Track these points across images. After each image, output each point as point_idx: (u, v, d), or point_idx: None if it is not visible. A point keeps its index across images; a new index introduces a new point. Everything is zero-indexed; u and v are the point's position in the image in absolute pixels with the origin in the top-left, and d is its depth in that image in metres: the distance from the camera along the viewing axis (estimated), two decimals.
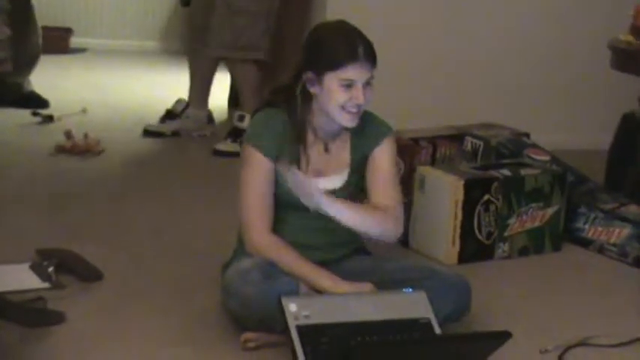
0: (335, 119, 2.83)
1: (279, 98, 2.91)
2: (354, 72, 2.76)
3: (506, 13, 5.26)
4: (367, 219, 2.83)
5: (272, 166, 2.84)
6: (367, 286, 2.75)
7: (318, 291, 2.75)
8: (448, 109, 5.05)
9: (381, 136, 2.96)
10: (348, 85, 2.77)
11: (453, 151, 4.11)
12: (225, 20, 4.92)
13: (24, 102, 5.56)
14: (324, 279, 2.76)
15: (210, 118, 5.31)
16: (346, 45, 2.77)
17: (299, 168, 2.85)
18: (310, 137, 2.89)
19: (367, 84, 2.80)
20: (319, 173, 2.90)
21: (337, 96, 2.78)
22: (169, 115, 5.25)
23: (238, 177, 2.90)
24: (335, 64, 2.76)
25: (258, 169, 2.85)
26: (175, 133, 5.18)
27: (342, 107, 2.79)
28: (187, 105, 5.24)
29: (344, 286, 2.74)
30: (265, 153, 2.84)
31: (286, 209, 2.89)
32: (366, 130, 2.94)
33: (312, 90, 2.83)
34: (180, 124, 5.20)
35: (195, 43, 5.19)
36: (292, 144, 2.87)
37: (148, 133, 5.19)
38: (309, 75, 2.82)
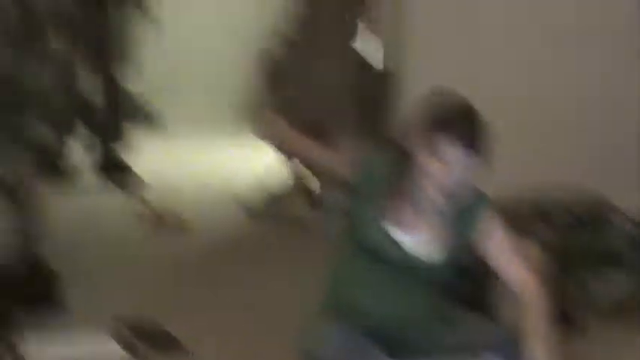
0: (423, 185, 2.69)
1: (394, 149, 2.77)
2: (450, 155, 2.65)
3: (585, 73, 5.14)
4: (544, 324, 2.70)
5: (348, 161, 2.77)
6: None
7: None
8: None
9: (477, 212, 2.77)
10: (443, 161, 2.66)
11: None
12: None
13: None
14: None
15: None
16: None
17: (384, 216, 2.74)
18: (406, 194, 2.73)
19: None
20: (401, 224, 2.74)
21: (428, 165, 2.67)
22: (271, 196, 5.16)
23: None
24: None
25: (344, 154, 2.83)
26: (276, 215, 5.07)
27: (431, 177, 2.67)
28: (292, 188, 5.16)
29: None
30: (360, 161, 2.76)
31: (360, 252, 2.75)
32: (470, 208, 2.78)
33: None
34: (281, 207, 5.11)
35: None
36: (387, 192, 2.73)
37: (249, 212, 5.12)
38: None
